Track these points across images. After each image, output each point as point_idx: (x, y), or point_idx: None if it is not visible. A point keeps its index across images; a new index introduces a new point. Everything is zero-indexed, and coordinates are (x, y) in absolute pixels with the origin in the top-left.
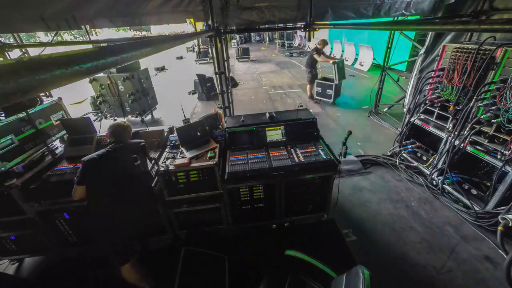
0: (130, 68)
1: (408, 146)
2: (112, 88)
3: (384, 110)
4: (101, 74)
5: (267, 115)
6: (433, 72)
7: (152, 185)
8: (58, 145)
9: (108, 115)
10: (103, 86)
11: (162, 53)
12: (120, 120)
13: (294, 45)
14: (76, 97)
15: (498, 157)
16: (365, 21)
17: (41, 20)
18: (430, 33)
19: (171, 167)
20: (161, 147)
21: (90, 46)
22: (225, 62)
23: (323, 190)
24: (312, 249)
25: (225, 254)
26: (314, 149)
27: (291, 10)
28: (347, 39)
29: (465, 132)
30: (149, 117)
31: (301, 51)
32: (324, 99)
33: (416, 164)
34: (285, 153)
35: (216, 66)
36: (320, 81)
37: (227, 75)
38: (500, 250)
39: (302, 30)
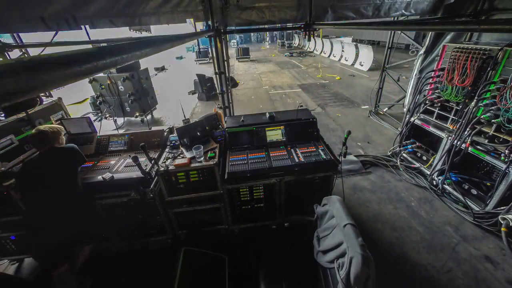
0: (130, 68)
1: (408, 146)
2: (112, 88)
3: (384, 110)
4: (101, 74)
5: (267, 115)
6: (433, 72)
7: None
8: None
9: (108, 115)
10: (103, 86)
11: (162, 53)
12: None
13: (294, 45)
14: (76, 97)
15: (502, 158)
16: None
17: (41, 20)
18: (430, 33)
19: (171, 167)
20: (161, 147)
21: (90, 46)
22: (225, 62)
23: (323, 190)
24: (312, 249)
25: (225, 254)
26: (314, 149)
27: (291, 10)
28: None
29: (466, 132)
30: (149, 117)
31: (301, 51)
32: None
33: (416, 165)
34: (285, 153)
35: (216, 66)
36: None
37: (227, 75)
38: (503, 251)
39: (302, 30)
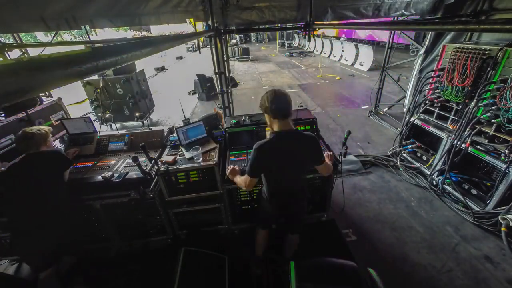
0: (127, 70)
1: (408, 146)
2: (110, 91)
3: (384, 110)
4: (96, 77)
5: None
6: (433, 72)
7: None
8: (58, 145)
9: (104, 120)
10: (97, 90)
11: (162, 53)
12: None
13: (294, 45)
14: (76, 97)
15: (502, 158)
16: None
17: (41, 20)
18: (430, 33)
19: (171, 168)
20: (161, 147)
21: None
22: (225, 62)
23: (323, 190)
24: (312, 250)
25: (225, 254)
26: None
27: (291, 10)
28: None
29: (466, 132)
30: (147, 120)
31: (301, 51)
32: None
33: (416, 165)
34: None
35: (216, 66)
36: None
37: (227, 75)
38: (503, 251)
39: (302, 30)
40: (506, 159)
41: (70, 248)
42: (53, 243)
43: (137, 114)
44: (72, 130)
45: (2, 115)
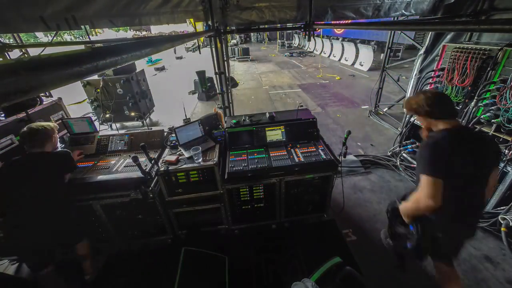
0: (127, 70)
1: (408, 146)
2: (110, 91)
3: (384, 110)
4: (96, 77)
5: (267, 115)
6: (433, 72)
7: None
8: (58, 145)
9: (104, 120)
10: (98, 90)
11: (162, 53)
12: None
13: (294, 45)
14: (76, 97)
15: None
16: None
17: (41, 20)
18: (430, 33)
19: (171, 168)
20: (161, 147)
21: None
22: (225, 62)
23: (323, 190)
24: (312, 249)
25: (225, 254)
26: (314, 149)
27: (291, 10)
28: None
29: None
30: (147, 121)
31: (301, 51)
32: None
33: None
34: (285, 153)
35: (216, 66)
36: None
37: (227, 75)
38: (503, 251)
39: (302, 30)
40: (504, 158)
41: (69, 247)
42: (49, 242)
43: (132, 113)
44: (73, 130)
45: (2, 115)
